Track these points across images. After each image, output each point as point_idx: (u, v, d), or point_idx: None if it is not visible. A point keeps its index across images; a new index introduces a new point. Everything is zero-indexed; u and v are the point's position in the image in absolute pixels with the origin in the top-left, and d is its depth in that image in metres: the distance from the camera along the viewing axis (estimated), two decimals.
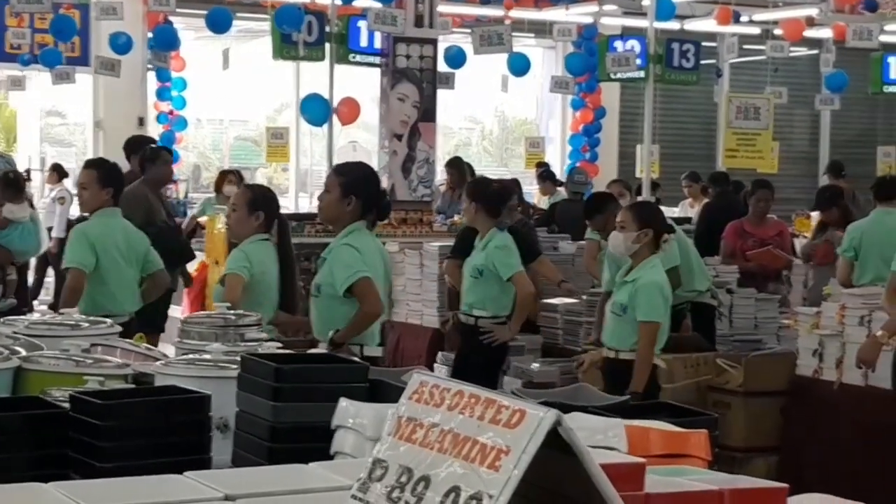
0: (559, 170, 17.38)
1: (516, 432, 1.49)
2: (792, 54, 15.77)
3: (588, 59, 15.23)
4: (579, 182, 11.45)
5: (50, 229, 12.77)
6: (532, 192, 14.73)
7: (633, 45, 13.16)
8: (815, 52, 16.30)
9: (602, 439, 2.23)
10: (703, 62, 13.14)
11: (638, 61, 13.01)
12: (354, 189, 4.91)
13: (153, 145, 8.86)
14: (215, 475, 1.98)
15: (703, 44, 12.85)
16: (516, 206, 8.35)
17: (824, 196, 8.98)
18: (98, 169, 6.00)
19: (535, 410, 1.50)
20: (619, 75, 13.50)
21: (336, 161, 10.27)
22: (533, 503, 1.59)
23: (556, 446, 1.51)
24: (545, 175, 13.99)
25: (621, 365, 5.40)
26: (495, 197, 6.53)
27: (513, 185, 9.46)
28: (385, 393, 2.59)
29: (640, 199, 10.38)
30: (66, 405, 2.43)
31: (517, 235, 6.61)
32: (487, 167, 18.28)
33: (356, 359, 3.39)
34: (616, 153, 18.00)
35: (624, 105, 17.87)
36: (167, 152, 8.53)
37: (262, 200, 5.33)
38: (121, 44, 12.41)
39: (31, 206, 8.48)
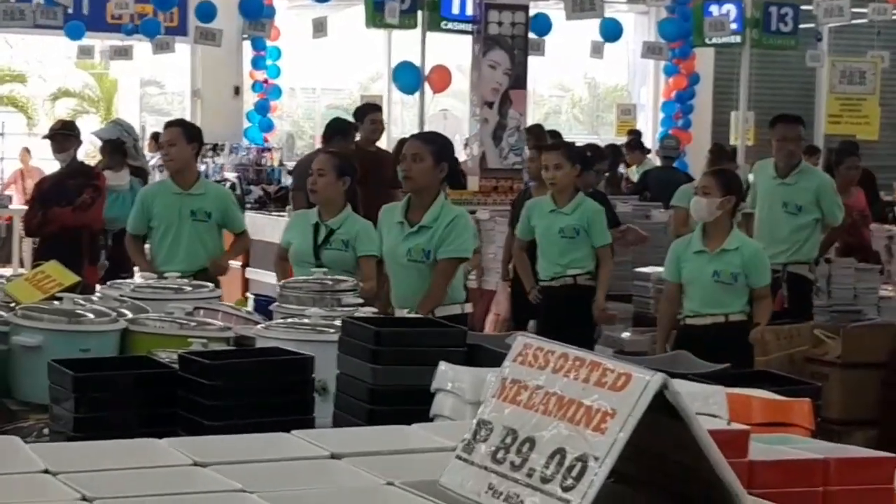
0: (650, 138, 17.21)
1: (622, 395, 1.50)
2: (895, 17, 15.37)
3: (682, 24, 15.01)
4: (669, 147, 11.32)
5: None
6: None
7: (729, 9, 12.93)
8: None
9: (703, 406, 2.22)
10: (801, 26, 12.89)
11: (734, 25, 12.80)
12: (444, 156, 4.94)
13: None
14: (320, 434, 2.02)
15: (802, 7, 12.59)
16: (604, 171, 8.34)
17: None
18: (182, 126, 6.27)
19: (642, 374, 1.51)
20: (714, 40, 13.31)
21: (428, 129, 10.29)
22: (637, 466, 1.60)
23: (662, 410, 1.52)
24: (634, 144, 13.87)
25: (730, 327, 5.53)
26: (585, 158, 6.68)
27: (604, 150, 9.41)
28: (483, 357, 2.61)
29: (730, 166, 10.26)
30: (174, 366, 2.49)
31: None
32: (578, 135, 18.15)
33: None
34: (710, 120, 17.74)
35: (718, 71, 17.59)
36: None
37: (348, 167, 5.44)
38: (206, 13, 12.54)
39: (142, 174, 8.62)
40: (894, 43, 16.64)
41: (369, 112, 8.86)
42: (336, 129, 8.53)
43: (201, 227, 6.02)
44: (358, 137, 8.75)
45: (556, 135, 11.85)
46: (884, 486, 1.88)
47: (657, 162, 12.99)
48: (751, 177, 7.26)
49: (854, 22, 15.38)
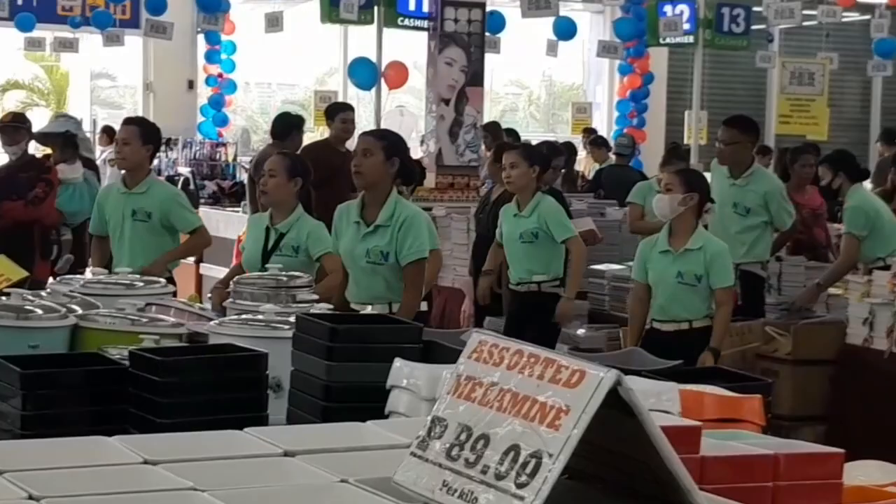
0: (606, 136, 17.29)
1: (576, 392, 1.50)
2: (844, 20, 15.55)
3: (637, 23, 15.10)
4: (623, 145, 11.38)
5: None
6: (582, 158, 14.66)
7: (683, 9, 13.02)
8: (867, 17, 16.06)
9: (656, 403, 2.23)
10: (753, 27, 13.00)
11: (687, 26, 12.89)
12: (396, 152, 4.92)
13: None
14: (274, 432, 2.01)
15: (754, 8, 12.70)
16: (560, 168, 8.35)
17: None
18: (140, 125, 6.08)
19: (596, 370, 1.51)
20: (668, 40, 13.40)
21: (384, 126, 10.28)
22: (591, 462, 1.60)
23: (616, 407, 1.52)
24: (599, 142, 13.92)
25: (694, 334, 5.45)
26: (547, 159, 6.64)
27: (560, 147, 9.42)
28: (438, 354, 2.60)
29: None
30: (124, 363, 2.47)
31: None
32: (534, 132, 18.19)
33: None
34: (664, 119, 17.87)
35: (672, 70, 17.71)
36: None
37: (300, 167, 5.40)
38: (156, 7, 12.44)
39: (93, 166, 8.55)
40: (843, 45, 16.84)
41: (341, 111, 8.79)
42: (287, 125, 8.50)
43: (142, 227, 5.85)
44: (328, 135, 8.79)
45: (513, 133, 11.88)
46: (832, 481, 1.90)
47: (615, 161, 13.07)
48: (708, 175, 7.30)
49: (804, 24, 15.55)
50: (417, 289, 4.90)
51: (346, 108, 8.98)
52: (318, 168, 8.25)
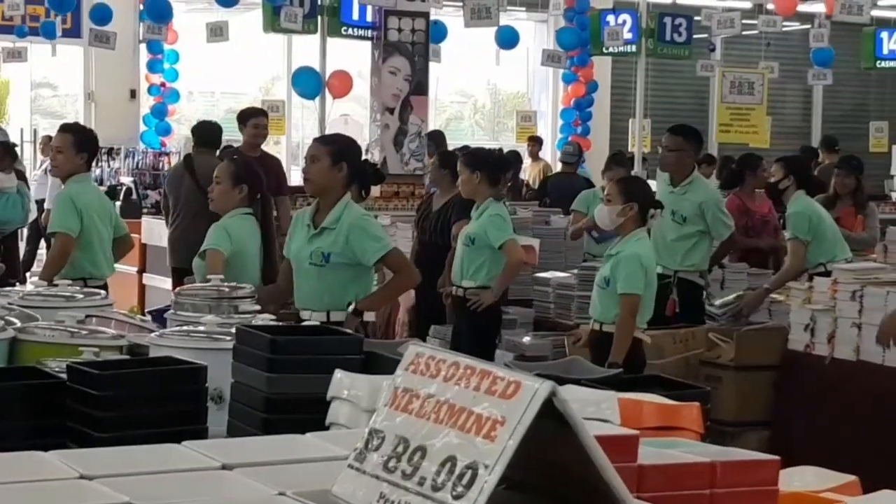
0: (550, 144, 17.37)
1: (512, 403, 1.51)
2: (784, 29, 15.76)
3: (579, 33, 15.22)
4: (568, 153, 11.45)
5: (42, 201, 12.75)
6: (525, 166, 14.73)
7: (626, 18, 13.15)
8: (807, 26, 16.29)
9: (595, 411, 2.25)
10: (695, 36, 13.14)
11: (629, 35, 13.00)
12: (343, 157, 4.92)
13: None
14: (212, 445, 2.00)
15: (696, 18, 12.84)
16: (508, 180, 8.37)
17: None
18: (74, 133, 6.00)
19: (531, 382, 1.52)
20: (611, 49, 13.51)
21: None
22: (528, 472, 1.61)
23: (551, 417, 1.53)
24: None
25: (606, 338, 5.45)
26: (497, 166, 6.60)
27: (510, 157, 9.45)
28: (380, 364, 2.60)
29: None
30: (63, 376, 2.44)
31: None
32: (479, 141, 18.24)
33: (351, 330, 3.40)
34: (608, 127, 18.00)
35: (616, 79, 17.85)
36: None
37: (246, 174, 5.40)
38: (101, 16, 12.34)
39: (23, 178, 8.46)
40: (784, 53, 17.06)
41: (253, 116, 8.60)
42: (210, 132, 8.42)
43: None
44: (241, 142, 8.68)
45: (464, 149, 11.89)
46: (768, 488, 1.92)
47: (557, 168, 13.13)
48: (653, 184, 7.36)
49: (745, 33, 15.74)
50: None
51: (260, 114, 8.83)
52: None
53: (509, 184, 9.65)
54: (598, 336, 5.54)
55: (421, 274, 5.10)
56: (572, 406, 1.51)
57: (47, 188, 12.67)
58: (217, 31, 12.08)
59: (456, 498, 1.48)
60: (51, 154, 6.01)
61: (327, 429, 2.30)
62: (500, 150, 7.98)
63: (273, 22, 10.82)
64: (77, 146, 5.84)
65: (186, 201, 7.79)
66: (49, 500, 1.65)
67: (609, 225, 5.62)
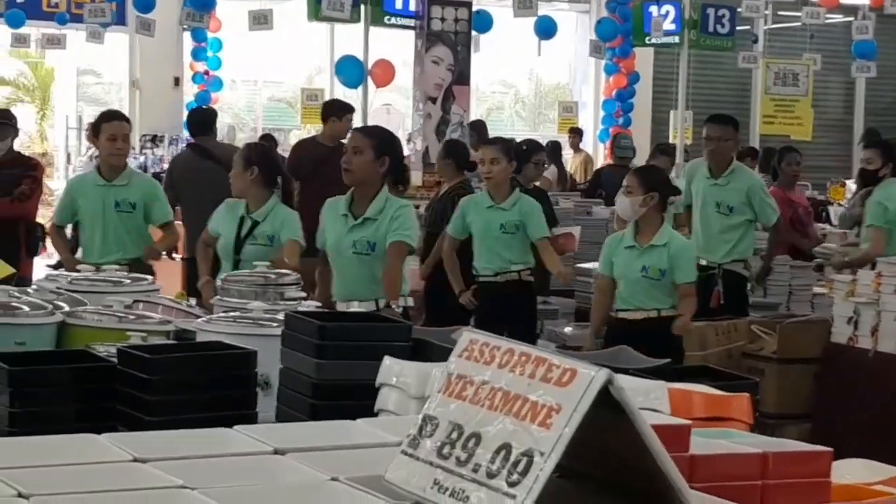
0: (592, 135, 17.31)
1: (567, 391, 1.51)
2: (827, 21, 15.61)
3: (618, 24, 15.15)
4: (625, 147, 11.40)
5: None
6: (567, 158, 14.69)
7: (668, 9, 13.05)
8: (850, 19, 16.13)
9: (644, 401, 2.24)
10: (738, 28, 13.03)
11: (672, 26, 12.92)
12: (385, 150, 4.93)
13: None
14: (264, 430, 2.01)
15: (739, 9, 12.74)
16: (543, 163, 8.41)
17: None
18: (128, 122, 6.26)
19: (587, 369, 1.51)
20: (653, 40, 13.43)
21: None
22: (581, 461, 1.60)
23: (606, 405, 1.53)
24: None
25: (663, 322, 5.59)
26: (522, 157, 6.71)
27: (538, 142, 9.45)
28: (427, 352, 2.60)
29: (679, 163, 10.36)
30: (111, 360, 2.46)
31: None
32: (520, 131, 18.22)
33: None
34: (649, 119, 17.91)
35: (658, 70, 17.76)
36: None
37: (256, 157, 5.50)
38: (145, 4, 12.41)
39: None
40: (826, 46, 16.89)
41: (349, 112, 8.87)
42: (206, 119, 8.49)
43: (126, 218, 5.99)
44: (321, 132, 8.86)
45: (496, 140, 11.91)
46: (820, 480, 1.90)
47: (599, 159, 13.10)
48: (681, 181, 7.29)
49: (788, 25, 15.61)
50: (399, 266, 4.90)
51: (352, 110, 9.07)
52: (305, 163, 8.29)
53: (546, 166, 9.64)
54: (654, 322, 5.59)
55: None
56: (628, 393, 1.50)
57: None
58: (261, 20, 12.11)
59: (511, 485, 1.48)
60: (116, 143, 6.05)
61: (376, 415, 2.31)
62: (528, 139, 8.12)
63: (317, 11, 10.82)
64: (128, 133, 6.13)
65: (204, 186, 7.75)
66: (105, 483, 1.66)
67: (631, 216, 5.71)
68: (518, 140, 8.99)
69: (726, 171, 6.94)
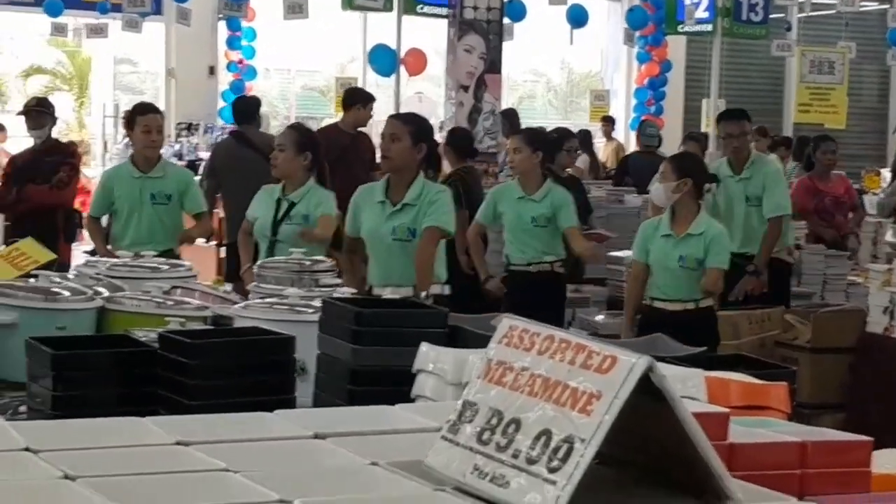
0: (623, 124, 17.25)
1: (608, 377, 1.51)
2: (862, 9, 15.48)
3: (649, 12, 15.10)
4: (651, 135, 11.37)
5: None
6: (599, 146, 14.64)
7: None
8: (885, 6, 15.98)
9: (681, 389, 2.23)
10: (771, 16, 12.95)
11: (705, 14, 12.86)
12: (422, 137, 4.95)
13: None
14: (303, 414, 2.02)
15: None
16: (575, 149, 8.42)
17: None
18: (161, 114, 6.36)
19: (627, 356, 1.52)
20: (686, 28, 13.37)
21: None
22: (621, 448, 1.61)
23: (646, 392, 1.53)
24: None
25: (700, 314, 5.53)
26: (553, 146, 6.69)
27: (569, 130, 9.45)
28: (463, 338, 2.61)
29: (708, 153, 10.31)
30: (150, 345, 2.48)
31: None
32: (552, 120, 18.16)
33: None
34: (681, 107, 17.82)
35: (690, 59, 17.67)
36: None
37: (309, 141, 5.46)
38: None
39: None
40: (862, 34, 16.75)
41: (372, 100, 8.94)
42: (250, 108, 8.51)
43: (162, 210, 6.02)
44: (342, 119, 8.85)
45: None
46: (860, 469, 1.90)
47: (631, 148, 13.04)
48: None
49: (823, 13, 15.48)
50: (432, 253, 4.91)
51: (374, 99, 9.12)
52: (329, 150, 8.33)
53: (579, 153, 9.64)
54: (692, 314, 5.54)
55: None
56: (669, 381, 1.51)
57: None
58: (296, 9, 12.13)
59: (551, 471, 1.48)
60: (151, 136, 6.10)
61: (412, 401, 2.32)
62: (558, 128, 8.11)
63: (350, 0, 10.85)
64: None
65: (246, 174, 7.79)
66: (149, 465, 1.68)
67: (665, 202, 5.66)
68: (549, 129, 8.99)
69: (747, 163, 6.89)
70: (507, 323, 1.70)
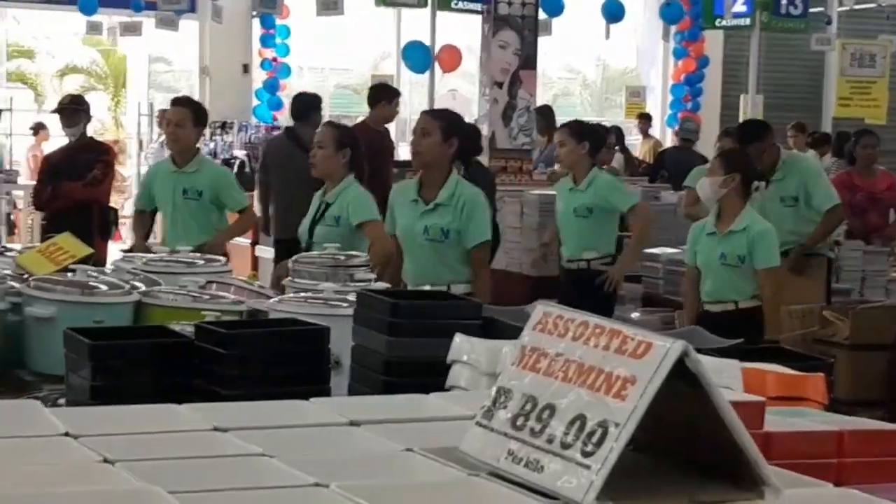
0: (659, 120, 17.17)
1: (643, 362, 1.51)
2: None
3: (683, 7, 15.02)
4: (689, 129, 11.31)
5: None
6: (635, 143, 14.60)
7: None
8: None
9: (717, 379, 2.22)
10: (811, 10, 12.86)
11: (743, 8, 12.79)
12: (454, 132, 4.93)
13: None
14: (339, 402, 2.04)
15: None
16: (613, 145, 8.38)
17: None
18: (190, 108, 6.21)
19: (662, 341, 1.51)
20: (724, 23, 13.30)
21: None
22: (655, 433, 1.60)
23: (681, 378, 1.53)
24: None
25: (740, 315, 5.41)
26: (601, 137, 6.63)
27: (604, 125, 9.45)
28: (497, 330, 2.61)
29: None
30: (188, 335, 2.50)
31: None
32: (588, 117, 18.13)
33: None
34: (718, 103, 17.71)
35: (728, 54, 17.56)
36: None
37: (348, 139, 5.41)
38: None
39: None
40: None
41: (397, 96, 8.96)
42: (305, 105, 8.49)
43: (193, 206, 6.01)
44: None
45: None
46: None
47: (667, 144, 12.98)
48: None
49: (864, 6, 15.34)
50: (487, 269, 4.93)
51: (400, 94, 9.12)
52: (366, 148, 8.34)
53: (616, 148, 9.62)
54: (733, 315, 5.46)
55: None
56: (704, 366, 1.50)
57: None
58: (330, 5, 12.17)
59: (586, 455, 1.48)
60: (168, 127, 6.16)
61: (447, 392, 2.32)
62: (600, 123, 8.04)
63: None
64: (195, 120, 6.09)
65: (294, 173, 7.84)
66: (187, 450, 1.69)
67: (712, 197, 5.55)
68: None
69: (778, 164, 6.84)
70: (541, 309, 1.70)
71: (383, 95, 8.87)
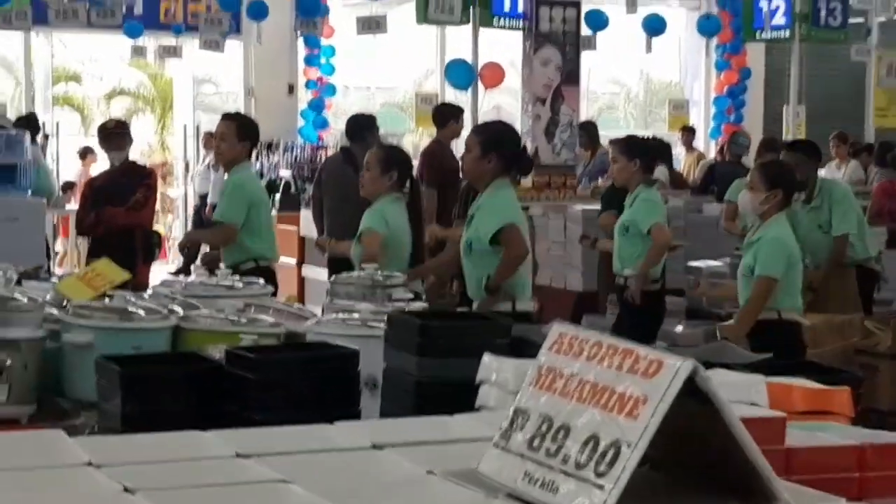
0: (703, 133, 17.10)
1: (654, 381, 1.52)
2: None
3: (720, 19, 14.98)
4: (741, 145, 11.28)
5: (205, 196, 13.13)
6: (679, 156, 14.53)
7: (779, 4, 12.85)
8: None
9: (743, 395, 2.23)
10: (851, 21, 12.76)
11: (783, 20, 12.73)
12: (493, 146, 4.97)
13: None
14: (363, 425, 2.06)
15: (850, 2, 12.48)
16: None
17: None
18: (237, 121, 6.20)
19: (672, 360, 1.53)
20: (764, 35, 13.23)
21: None
22: (669, 451, 1.62)
23: (695, 396, 1.54)
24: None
25: (757, 327, 5.26)
26: (653, 153, 6.61)
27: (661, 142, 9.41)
28: (528, 349, 2.62)
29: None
30: (219, 361, 2.53)
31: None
32: (633, 131, 18.09)
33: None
34: (761, 115, 17.62)
35: (769, 65, 17.47)
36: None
37: (395, 160, 5.45)
38: (257, 12, 12.66)
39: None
40: None
41: (462, 113, 9.23)
42: (358, 126, 8.56)
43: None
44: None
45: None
46: None
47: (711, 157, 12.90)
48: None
49: None
50: (513, 249, 4.83)
51: (462, 111, 9.31)
52: (443, 170, 8.47)
53: (663, 168, 9.60)
54: (755, 327, 5.37)
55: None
56: (714, 384, 1.51)
57: (210, 183, 13.06)
58: (373, 24, 12.25)
59: (599, 476, 1.50)
60: (214, 142, 6.24)
61: (477, 412, 2.33)
62: (654, 137, 7.98)
63: (425, 13, 10.92)
64: (239, 134, 6.02)
65: (345, 192, 7.88)
66: (207, 478, 1.71)
67: (752, 212, 5.43)
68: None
69: (815, 190, 6.78)
70: (556, 329, 1.72)
71: (451, 114, 9.01)
